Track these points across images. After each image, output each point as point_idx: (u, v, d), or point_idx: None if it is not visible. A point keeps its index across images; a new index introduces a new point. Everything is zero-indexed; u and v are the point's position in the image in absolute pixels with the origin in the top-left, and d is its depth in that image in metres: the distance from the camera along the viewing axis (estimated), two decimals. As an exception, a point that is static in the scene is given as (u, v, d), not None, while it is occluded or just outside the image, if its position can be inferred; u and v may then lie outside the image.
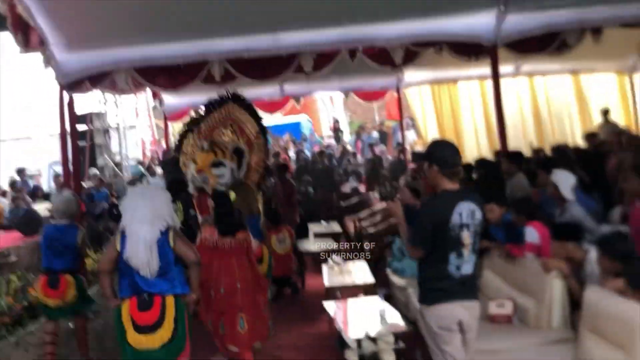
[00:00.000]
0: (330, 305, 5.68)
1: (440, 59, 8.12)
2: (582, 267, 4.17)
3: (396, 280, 6.37)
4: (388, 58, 7.55)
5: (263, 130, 5.78)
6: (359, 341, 4.74)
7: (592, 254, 4.08)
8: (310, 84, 11.42)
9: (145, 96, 14.27)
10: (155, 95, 11.79)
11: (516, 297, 4.58)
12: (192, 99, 11.34)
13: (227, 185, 5.16)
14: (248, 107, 5.72)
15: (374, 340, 4.73)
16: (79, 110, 14.13)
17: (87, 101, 13.80)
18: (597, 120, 11.45)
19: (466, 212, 3.37)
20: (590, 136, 9.38)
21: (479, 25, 7.18)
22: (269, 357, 5.56)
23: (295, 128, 17.74)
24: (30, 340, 5.17)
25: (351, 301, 5.68)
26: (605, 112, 11.18)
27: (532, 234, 4.74)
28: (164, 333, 3.93)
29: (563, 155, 6.86)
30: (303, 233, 9.94)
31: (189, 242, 4.26)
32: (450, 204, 3.37)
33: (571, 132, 11.77)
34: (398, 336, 4.79)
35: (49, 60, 7.15)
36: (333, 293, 6.36)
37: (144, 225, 4.00)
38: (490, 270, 5.15)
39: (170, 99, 11.57)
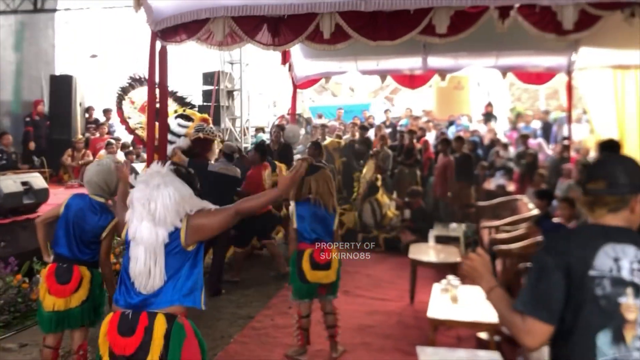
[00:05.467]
0: (424, 352, 4.08)
1: (628, 32, 5.88)
2: None
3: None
4: (553, 22, 5.52)
5: None
6: None
7: None
8: (458, 57, 9.70)
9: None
10: (285, 60, 10.64)
11: None
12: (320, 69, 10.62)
13: None
14: None
15: None
16: (206, 67, 13.62)
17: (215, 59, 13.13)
18: None
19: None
20: None
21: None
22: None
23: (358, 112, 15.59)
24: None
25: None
26: None
27: None
28: None
29: None
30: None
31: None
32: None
33: None
34: None
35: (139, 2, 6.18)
36: (437, 327, 4.84)
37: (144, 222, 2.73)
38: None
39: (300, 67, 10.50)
